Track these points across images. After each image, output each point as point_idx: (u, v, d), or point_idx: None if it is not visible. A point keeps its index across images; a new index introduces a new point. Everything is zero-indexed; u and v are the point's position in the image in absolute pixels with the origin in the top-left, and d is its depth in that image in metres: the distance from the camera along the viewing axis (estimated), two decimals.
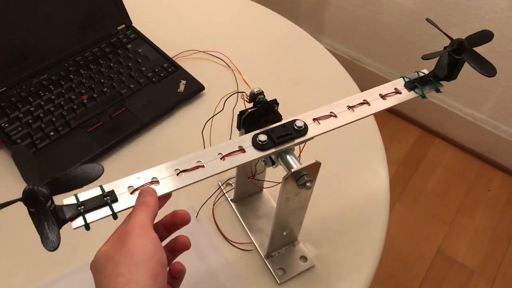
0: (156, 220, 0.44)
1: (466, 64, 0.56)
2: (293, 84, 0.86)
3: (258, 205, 0.70)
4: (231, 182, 0.71)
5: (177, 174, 0.46)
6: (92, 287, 0.39)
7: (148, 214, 0.41)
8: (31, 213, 0.38)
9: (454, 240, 1.55)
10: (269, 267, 0.63)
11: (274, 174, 0.59)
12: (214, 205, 0.68)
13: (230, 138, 0.72)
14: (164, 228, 0.45)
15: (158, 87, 0.80)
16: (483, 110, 1.66)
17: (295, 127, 0.51)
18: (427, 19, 0.61)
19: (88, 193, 0.43)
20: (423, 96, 0.57)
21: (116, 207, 0.42)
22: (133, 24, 0.89)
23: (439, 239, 1.55)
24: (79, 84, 0.78)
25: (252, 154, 0.49)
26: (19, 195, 0.37)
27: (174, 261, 0.46)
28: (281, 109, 0.54)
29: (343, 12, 1.76)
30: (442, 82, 0.60)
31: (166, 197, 0.45)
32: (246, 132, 0.53)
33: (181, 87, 0.80)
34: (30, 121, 0.73)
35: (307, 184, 0.50)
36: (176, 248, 0.45)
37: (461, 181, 1.71)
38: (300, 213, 0.59)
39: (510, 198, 1.67)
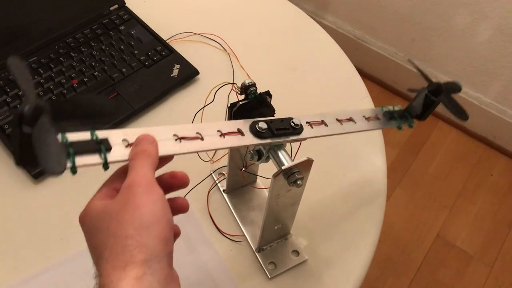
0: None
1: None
2: (290, 70, 0.83)
3: (251, 196, 0.68)
4: (224, 172, 0.69)
5: (176, 140, 0.41)
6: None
7: (151, 165, 0.36)
8: (24, 135, 0.32)
9: (454, 224, 1.54)
10: (260, 261, 0.62)
11: (267, 166, 0.57)
12: (207, 196, 0.67)
13: None
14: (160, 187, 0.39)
15: (151, 72, 0.78)
16: (488, 93, 1.63)
17: (292, 124, 0.50)
18: (409, 60, 0.72)
19: (78, 135, 0.36)
20: (399, 127, 0.59)
21: (110, 156, 0.37)
22: (126, 5, 0.86)
23: (439, 223, 1.54)
24: (69, 68, 0.76)
25: (250, 139, 0.47)
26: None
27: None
28: (276, 97, 0.52)
29: None
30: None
31: (165, 159, 0.40)
32: None
33: (175, 72, 0.78)
34: (18, 105, 0.71)
35: (298, 182, 0.48)
36: (173, 210, 0.40)
37: (463, 165, 1.69)
38: (292, 208, 0.57)
39: None
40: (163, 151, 0.39)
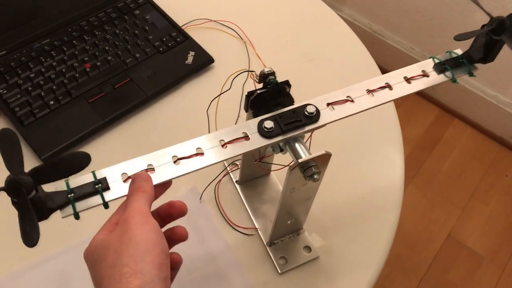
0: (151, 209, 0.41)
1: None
2: (307, 60, 0.81)
3: (264, 188, 0.66)
4: (237, 163, 0.67)
5: (174, 162, 0.43)
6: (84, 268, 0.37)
7: (146, 200, 0.39)
8: (14, 203, 0.35)
9: (466, 225, 1.52)
10: (271, 255, 0.60)
11: (283, 156, 0.56)
12: (218, 186, 0.65)
13: (237, 118, 0.69)
14: (160, 218, 0.43)
15: (165, 58, 0.76)
16: (507, 92, 1.59)
17: (306, 113, 0.47)
18: None
19: (80, 179, 0.40)
20: (454, 80, 0.52)
21: (108, 195, 0.40)
22: None
23: (451, 223, 1.52)
24: (82, 51, 0.74)
25: (257, 141, 0.45)
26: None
27: (170, 251, 0.44)
28: (293, 87, 0.50)
29: None
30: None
31: (164, 186, 0.43)
32: (254, 114, 0.50)
33: (189, 59, 0.76)
34: (29, 88, 0.69)
35: (315, 177, 0.46)
36: (172, 239, 0.43)
37: (478, 165, 1.65)
38: (306, 203, 0.55)
39: None
40: (163, 177, 0.42)
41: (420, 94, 1.78)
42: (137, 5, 0.81)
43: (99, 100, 0.70)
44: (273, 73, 0.49)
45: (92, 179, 0.40)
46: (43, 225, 0.62)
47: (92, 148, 0.67)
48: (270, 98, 0.49)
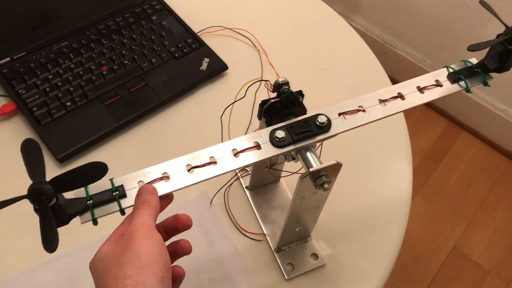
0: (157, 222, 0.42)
1: None
2: (320, 70, 0.82)
3: (274, 195, 0.67)
4: (247, 169, 0.68)
5: (188, 170, 0.44)
6: None
7: (151, 213, 0.40)
8: (36, 210, 0.37)
9: (471, 237, 1.52)
10: (278, 261, 0.61)
11: (293, 163, 0.57)
12: (228, 191, 0.66)
13: (249, 125, 0.70)
14: (165, 231, 0.44)
15: (180, 63, 0.77)
16: None
17: (317, 123, 0.48)
18: (481, 2, 0.53)
19: (98, 186, 0.42)
20: (468, 90, 0.52)
21: (124, 202, 0.42)
22: None
23: (456, 235, 1.52)
24: (99, 54, 0.76)
25: (268, 151, 0.47)
26: None
27: (173, 265, 0.45)
28: (305, 96, 0.51)
29: None
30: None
31: (167, 199, 0.44)
32: (267, 123, 0.51)
33: (204, 65, 0.77)
34: (47, 89, 0.71)
35: (325, 186, 0.47)
36: (176, 252, 0.44)
37: (486, 178, 1.65)
38: (315, 211, 0.56)
39: None
40: (178, 185, 0.43)
41: (429, 105, 1.78)
42: (154, 11, 0.83)
43: (114, 103, 0.71)
44: (287, 83, 0.50)
45: (110, 186, 0.42)
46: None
47: (106, 149, 0.69)
48: (283, 107, 0.50)
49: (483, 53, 0.54)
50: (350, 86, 0.80)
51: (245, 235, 0.63)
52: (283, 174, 0.65)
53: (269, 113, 0.51)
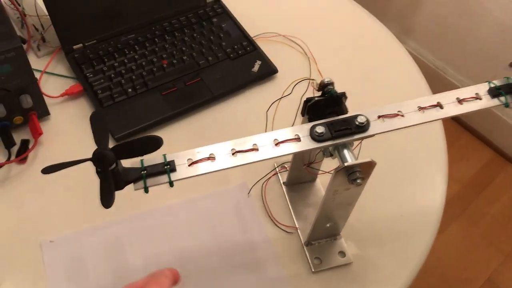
0: None
1: None
2: (366, 82, 0.85)
3: (309, 193, 0.71)
4: (286, 166, 0.72)
5: (233, 154, 0.48)
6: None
7: None
8: (98, 172, 0.42)
9: (508, 271, 1.48)
10: (307, 254, 0.64)
11: (331, 165, 0.60)
12: (266, 184, 0.70)
13: (293, 123, 0.74)
14: None
15: (234, 64, 0.83)
16: None
17: (357, 123, 0.51)
18: None
19: (153, 159, 0.47)
20: (506, 105, 0.53)
21: (174, 176, 0.46)
22: None
23: (492, 267, 1.49)
24: (161, 49, 0.83)
25: (307, 144, 0.50)
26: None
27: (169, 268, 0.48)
28: (348, 104, 0.54)
29: (436, 18, 1.69)
30: None
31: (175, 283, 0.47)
32: (309, 120, 0.54)
33: (256, 67, 0.82)
34: (112, 75, 0.78)
35: (358, 181, 0.50)
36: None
37: None
38: (346, 208, 0.59)
39: None
40: (222, 166, 0.48)
41: (475, 134, 1.76)
42: (215, 14, 0.89)
43: (171, 94, 0.78)
44: (332, 83, 0.54)
45: (162, 161, 0.47)
46: None
47: (159, 135, 0.74)
48: (326, 106, 0.54)
49: None
50: (394, 101, 0.83)
51: (278, 226, 0.67)
52: (319, 173, 0.69)
53: (312, 110, 0.54)
